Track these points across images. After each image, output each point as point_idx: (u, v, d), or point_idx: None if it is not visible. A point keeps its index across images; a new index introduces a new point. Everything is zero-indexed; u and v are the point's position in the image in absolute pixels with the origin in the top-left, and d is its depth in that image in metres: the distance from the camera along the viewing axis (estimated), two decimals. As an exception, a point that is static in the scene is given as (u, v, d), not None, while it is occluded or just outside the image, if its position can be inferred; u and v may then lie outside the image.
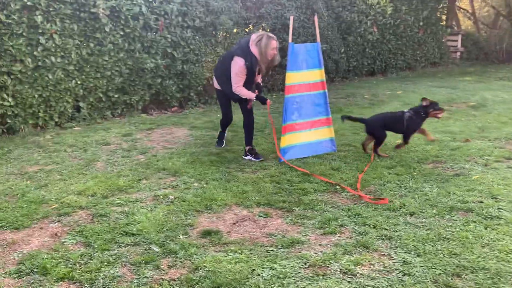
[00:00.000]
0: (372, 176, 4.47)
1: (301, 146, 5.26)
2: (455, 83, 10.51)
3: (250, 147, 5.27)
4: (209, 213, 3.77)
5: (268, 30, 9.87)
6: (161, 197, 4.11)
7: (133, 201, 4.05)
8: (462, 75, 11.98)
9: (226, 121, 5.62)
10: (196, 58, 8.32)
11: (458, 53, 14.99)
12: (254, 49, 4.90)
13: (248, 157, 5.22)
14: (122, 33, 7.34)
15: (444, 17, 14.56)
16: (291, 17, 5.19)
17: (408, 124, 5.09)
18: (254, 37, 4.95)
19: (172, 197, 4.10)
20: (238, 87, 5.00)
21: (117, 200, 4.05)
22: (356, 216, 3.53)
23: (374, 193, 4.06)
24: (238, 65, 4.91)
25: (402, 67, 13.00)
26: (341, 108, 7.96)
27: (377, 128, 5.20)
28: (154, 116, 7.78)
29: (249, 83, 5.07)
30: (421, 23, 13.05)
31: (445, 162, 4.79)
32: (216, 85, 5.33)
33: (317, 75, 5.31)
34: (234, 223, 3.55)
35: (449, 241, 3.02)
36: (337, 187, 4.23)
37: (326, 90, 5.37)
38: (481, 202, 3.63)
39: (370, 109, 7.96)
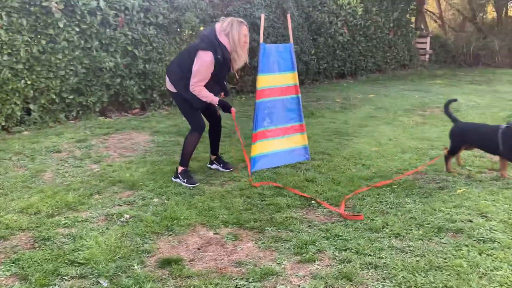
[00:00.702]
0: (348, 189, 4.11)
1: (273, 155, 4.86)
2: (426, 86, 10.36)
3: (218, 156, 4.77)
4: (170, 235, 3.31)
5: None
6: (114, 216, 3.61)
7: (82, 221, 3.54)
8: (432, 78, 11.89)
9: (199, 133, 4.38)
10: (159, 57, 7.79)
11: (427, 56, 14.98)
12: (223, 39, 4.09)
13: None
14: (77, 29, 6.73)
15: (413, 19, 14.50)
16: (262, 15, 4.77)
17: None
18: (220, 25, 4.14)
19: (128, 216, 3.61)
20: (198, 87, 4.10)
21: (64, 220, 3.53)
22: (336, 238, 3.15)
23: (352, 209, 3.69)
24: (203, 61, 4.04)
25: (372, 70, 12.82)
26: (313, 111, 7.61)
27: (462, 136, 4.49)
28: (113, 119, 7.22)
29: (217, 84, 4.30)
30: (391, 25, 12.90)
31: (425, 173, 4.49)
32: (171, 87, 4.33)
33: (290, 78, 4.92)
34: (199, 249, 3.11)
35: (442, 271, 2.67)
36: (312, 201, 3.85)
37: (300, 95, 4.99)
38: (470, 221, 3.32)
39: (342, 113, 7.66)
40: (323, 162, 4.95)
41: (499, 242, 2.99)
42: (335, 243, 3.09)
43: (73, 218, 3.57)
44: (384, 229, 3.26)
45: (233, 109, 4.40)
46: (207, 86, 4.18)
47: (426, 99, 8.54)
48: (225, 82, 4.50)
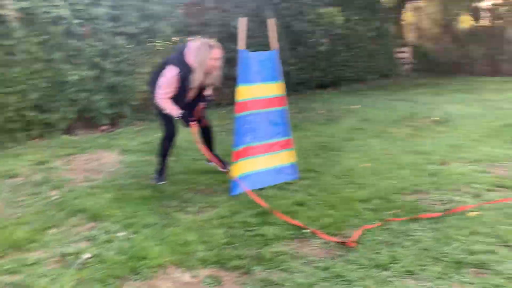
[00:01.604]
0: (344, 213, 3.60)
1: (257, 175, 4.32)
2: (412, 96, 10.01)
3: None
4: (137, 280, 2.73)
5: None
6: (71, 256, 3.01)
7: (32, 264, 2.94)
8: (415, 87, 11.57)
9: (170, 137, 4.48)
10: (130, 69, 7.21)
11: (409, 65, 14.75)
12: (190, 59, 4.18)
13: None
14: (38, 40, 6.12)
15: (393, 28, 14.27)
16: (241, 20, 4.27)
17: None
18: (191, 45, 4.25)
19: (87, 256, 3.01)
20: (163, 99, 4.21)
21: (9, 264, 2.93)
22: (338, 280, 2.62)
23: (350, 237, 3.17)
24: (170, 74, 4.16)
25: (354, 80, 12.46)
26: (296, 124, 7.11)
27: None
28: (77, 137, 6.58)
29: (180, 100, 4.31)
30: (372, 34, 12.60)
31: (428, 193, 4.01)
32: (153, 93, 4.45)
33: (274, 89, 4.41)
34: (171, 298, 2.54)
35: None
36: (306, 231, 3.32)
37: (286, 107, 4.49)
38: (493, 252, 2.83)
39: (327, 125, 7.20)
40: (313, 181, 4.43)
41: (533, 280, 2.50)
42: (337, 287, 2.56)
43: (21, 261, 2.96)
44: (393, 264, 2.75)
45: (192, 124, 4.31)
46: (179, 97, 4.28)
47: (415, 109, 8.14)
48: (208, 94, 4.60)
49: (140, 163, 5.20)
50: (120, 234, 3.35)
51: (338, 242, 3.09)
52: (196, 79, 4.23)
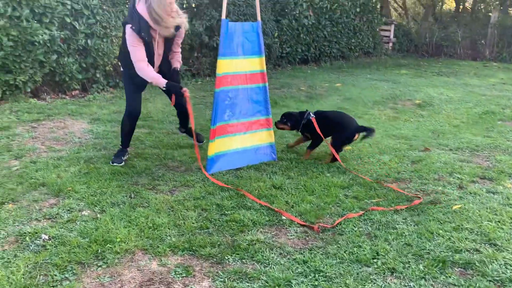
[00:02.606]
0: (325, 201, 3.43)
1: (234, 154, 4.11)
2: (394, 76, 9.86)
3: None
4: (100, 266, 2.51)
5: (194, 5, 8.52)
6: (28, 237, 2.76)
7: (-17, 244, 2.68)
8: (397, 68, 11.42)
9: (131, 115, 3.99)
10: (103, 32, 6.78)
11: (391, 44, 14.57)
12: (141, 8, 3.59)
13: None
14: (3, -7, 5.64)
15: (379, 5, 14.00)
16: (225, -14, 3.95)
17: None
18: None
19: (46, 237, 2.77)
20: (139, 64, 3.67)
21: (-44, 243, 2.65)
22: (316, 276, 2.46)
23: (331, 229, 3.01)
24: (127, 36, 3.63)
25: (336, 56, 12.22)
26: (276, 100, 6.89)
27: None
28: (47, 102, 6.19)
29: (150, 62, 3.77)
30: (357, 10, 12.31)
31: (410, 181, 3.88)
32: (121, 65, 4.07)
33: (257, 63, 4.16)
34: (136, 290, 2.34)
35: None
36: (283, 217, 3.14)
37: (267, 84, 4.24)
38: (478, 251, 2.71)
39: (308, 103, 6.98)
40: (292, 163, 4.25)
41: (520, 284, 2.39)
42: (316, 283, 2.40)
43: (-29, 240, 2.69)
44: (376, 260, 2.60)
45: (185, 90, 3.83)
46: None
47: (396, 91, 8.00)
48: (175, 67, 4.03)
49: (110, 134, 4.90)
50: (85, 213, 3.10)
51: (304, 225, 2.93)
52: (159, 25, 3.62)
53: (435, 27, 15.19)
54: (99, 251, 2.63)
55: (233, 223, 3.04)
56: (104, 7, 6.79)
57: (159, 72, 3.89)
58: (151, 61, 3.78)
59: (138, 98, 4.03)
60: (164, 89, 3.84)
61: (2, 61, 5.78)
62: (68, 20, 6.33)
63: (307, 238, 2.90)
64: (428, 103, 7.12)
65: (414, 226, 3.03)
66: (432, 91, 8.05)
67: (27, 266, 2.47)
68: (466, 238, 2.85)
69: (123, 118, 4.06)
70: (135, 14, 3.59)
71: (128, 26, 3.60)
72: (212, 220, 3.08)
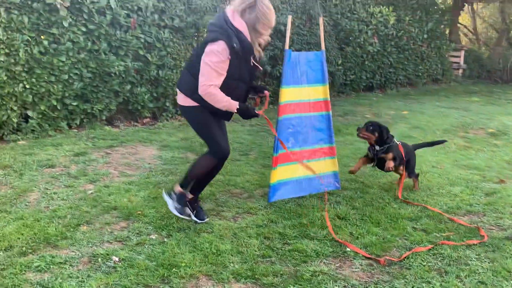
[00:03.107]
0: (391, 233, 3.33)
1: (296, 182, 4.11)
2: (464, 104, 9.47)
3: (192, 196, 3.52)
4: (165, 291, 2.58)
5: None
6: (100, 258, 2.90)
7: (60, 263, 2.84)
8: (468, 95, 10.97)
9: (220, 154, 3.40)
10: (173, 63, 7.12)
11: (461, 70, 14.05)
12: (239, 23, 3.08)
13: (176, 211, 3.44)
14: (84, 29, 6.10)
15: (448, 31, 13.61)
16: (289, 17, 4.04)
17: None
18: (231, 7, 3.15)
19: (117, 259, 2.89)
20: (210, 87, 3.06)
21: (38, 261, 2.84)
22: (382, 311, 2.37)
23: (398, 263, 2.90)
24: (214, 53, 3.02)
25: (403, 83, 11.96)
26: (339, 128, 6.84)
27: None
28: (121, 129, 6.54)
29: (241, 82, 3.26)
30: (425, 36, 12.03)
31: (484, 215, 3.67)
32: (185, 100, 3.31)
33: (320, 92, 4.17)
34: (200, 316, 2.37)
35: None
36: (348, 249, 3.08)
37: (330, 112, 4.23)
38: None
39: (374, 131, 6.84)
40: (356, 193, 4.17)
41: None
42: (382, 318, 2.31)
43: (50, 259, 2.87)
44: (446, 298, 2.47)
45: (260, 112, 3.34)
46: (228, 88, 3.15)
47: (467, 119, 7.67)
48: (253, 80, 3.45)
49: (177, 160, 5.08)
50: (152, 236, 3.22)
51: (370, 258, 2.83)
52: (257, 37, 3.15)
53: (509, 52, 14.49)
54: (165, 274, 2.71)
55: (296, 252, 3.02)
56: (175, 39, 7.14)
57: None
58: (246, 80, 3.31)
59: (220, 134, 3.40)
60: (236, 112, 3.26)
61: (82, 91, 6.21)
62: (141, 52, 6.71)
63: (373, 271, 2.81)
64: (502, 132, 6.75)
65: (488, 263, 2.85)
66: (506, 119, 7.63)
67: (99, 286, 2.59)
68: (548, 279, 2.64)
69: (202, 158, 3.48)
70: (231, 30, 3.06)
71: (218, 43, 3.03)
72: (275, 248, 3.07)
